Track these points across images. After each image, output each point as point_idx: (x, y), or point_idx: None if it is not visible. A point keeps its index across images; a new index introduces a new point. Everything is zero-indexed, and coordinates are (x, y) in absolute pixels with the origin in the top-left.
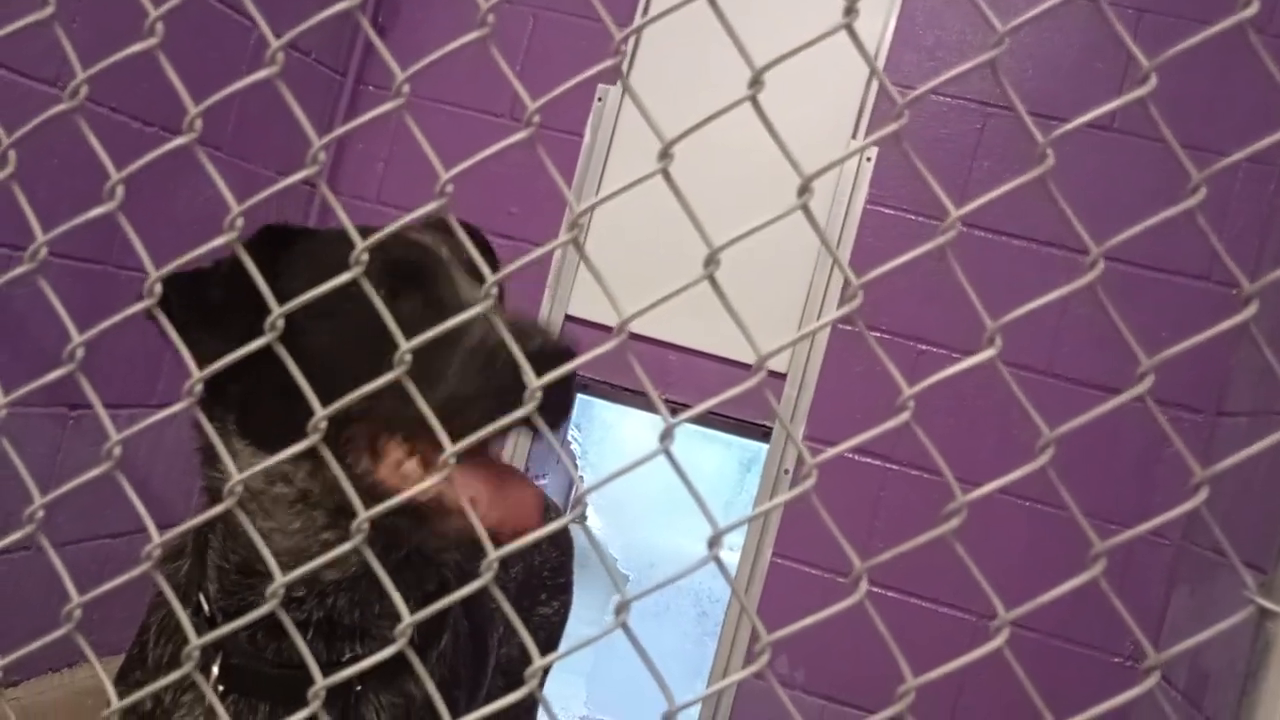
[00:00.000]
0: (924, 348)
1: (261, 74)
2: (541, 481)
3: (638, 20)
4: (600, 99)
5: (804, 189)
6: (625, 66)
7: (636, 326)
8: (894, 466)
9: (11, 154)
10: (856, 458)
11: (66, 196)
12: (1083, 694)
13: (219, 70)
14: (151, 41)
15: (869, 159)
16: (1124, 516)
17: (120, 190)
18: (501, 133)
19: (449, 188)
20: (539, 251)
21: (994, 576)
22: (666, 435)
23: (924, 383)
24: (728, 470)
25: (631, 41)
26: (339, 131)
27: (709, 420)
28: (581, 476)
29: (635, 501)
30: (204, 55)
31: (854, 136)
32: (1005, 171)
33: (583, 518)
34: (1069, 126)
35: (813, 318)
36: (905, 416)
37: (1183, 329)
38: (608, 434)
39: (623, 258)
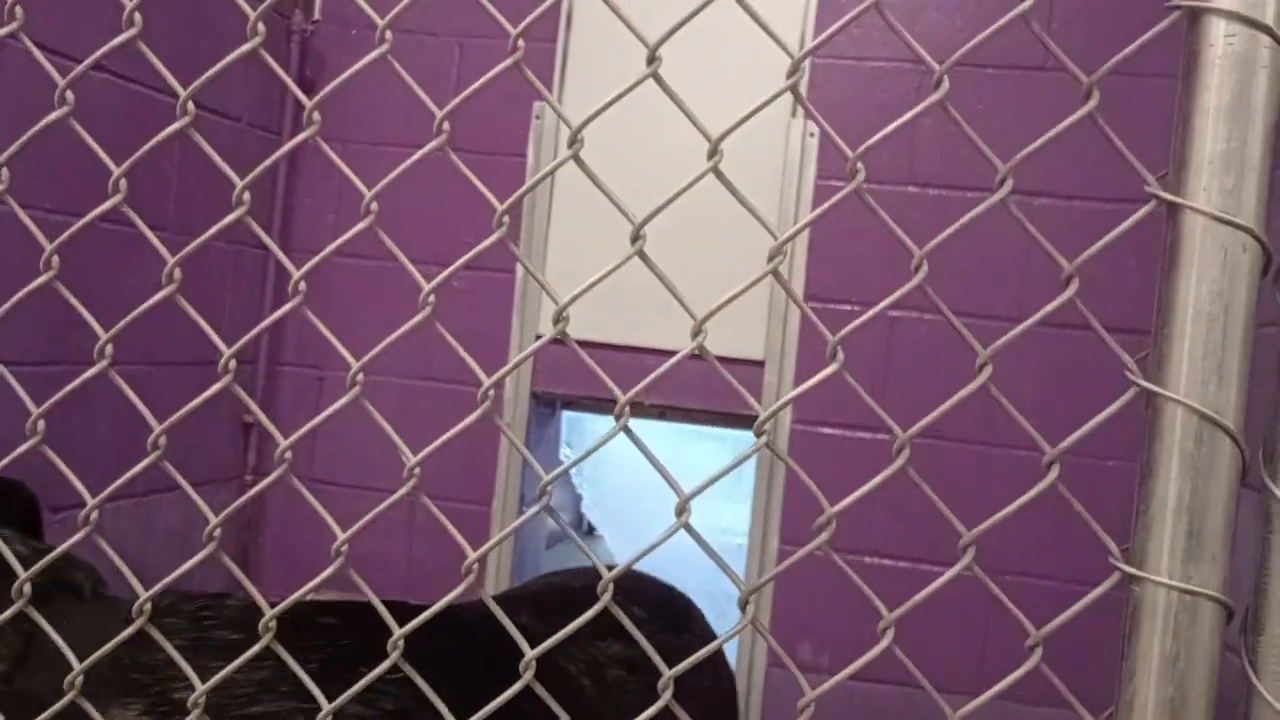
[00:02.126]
0: (896, 314)
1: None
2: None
3: (561, 37)
4: (538, 116)
5: (713, 151)
6: (558, 77)
7: (611, 336)
8: (884, 437)
9: None
10: (848, 434)
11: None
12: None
13: (150, 152)
14: None
15: (812, 135)
16: (1093, 446)
17: None
18: (440, 166)
19: (366, 210)
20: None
21: (993, 527)
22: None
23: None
24: (723, 462)
25: (560, 52)
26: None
27: (696, 417)
28: (580, 495)
29: (636, 515)
30: (134, 137)
31: (793, 116)
32: (948, 126)
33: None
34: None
35: (780, 301)
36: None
37: (1117, 251)
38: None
39: (585, 272)
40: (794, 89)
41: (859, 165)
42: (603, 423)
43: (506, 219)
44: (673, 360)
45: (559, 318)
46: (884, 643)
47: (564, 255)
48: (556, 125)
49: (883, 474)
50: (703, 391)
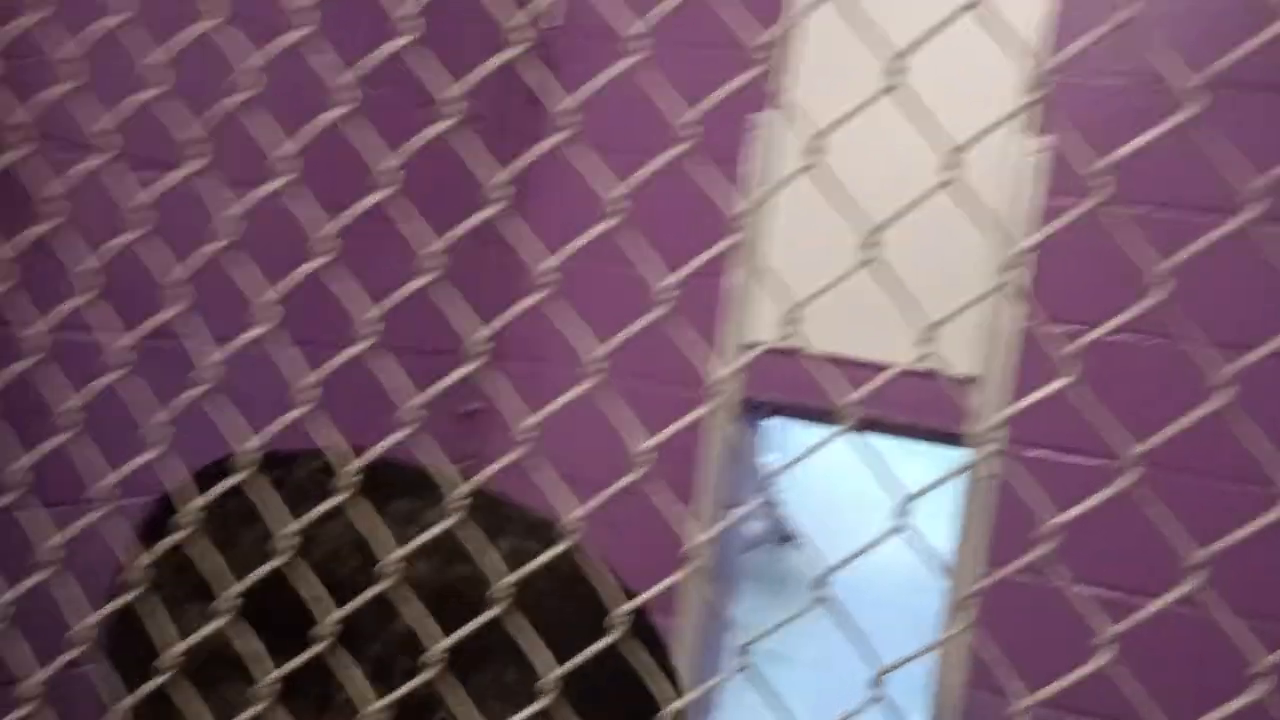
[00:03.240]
0: (1118, 339)
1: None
2: (744, 510)
3: (787, 45)
4: (762, 125)
5: (951, 164)
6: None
7: (823, 345)
8: (1099, 463)
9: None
10: (1062, 458)
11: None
12: None
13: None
14: (287, 178)
15: (1041, 151)
16: None
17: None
18: (665, 168)
19: (625, 202)
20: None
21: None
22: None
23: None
24: (927, 480)
25: (786, 59)
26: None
27: (906, 432)
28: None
29: (834, 525)
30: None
31: (1023, 130)
32: (1184, 146)
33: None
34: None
35: (998, 316)
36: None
37: None
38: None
39: (804, 280)
40: (1031, 103)
41: (1100, 182)
42: (806, 431)
43: (743, 223)
44: (894, 369)
45: (790, 319)
46: (1100, 659)
47: (779, 261)
48: (779, 133)
49: (1108, 490)
50: (911, 406)
